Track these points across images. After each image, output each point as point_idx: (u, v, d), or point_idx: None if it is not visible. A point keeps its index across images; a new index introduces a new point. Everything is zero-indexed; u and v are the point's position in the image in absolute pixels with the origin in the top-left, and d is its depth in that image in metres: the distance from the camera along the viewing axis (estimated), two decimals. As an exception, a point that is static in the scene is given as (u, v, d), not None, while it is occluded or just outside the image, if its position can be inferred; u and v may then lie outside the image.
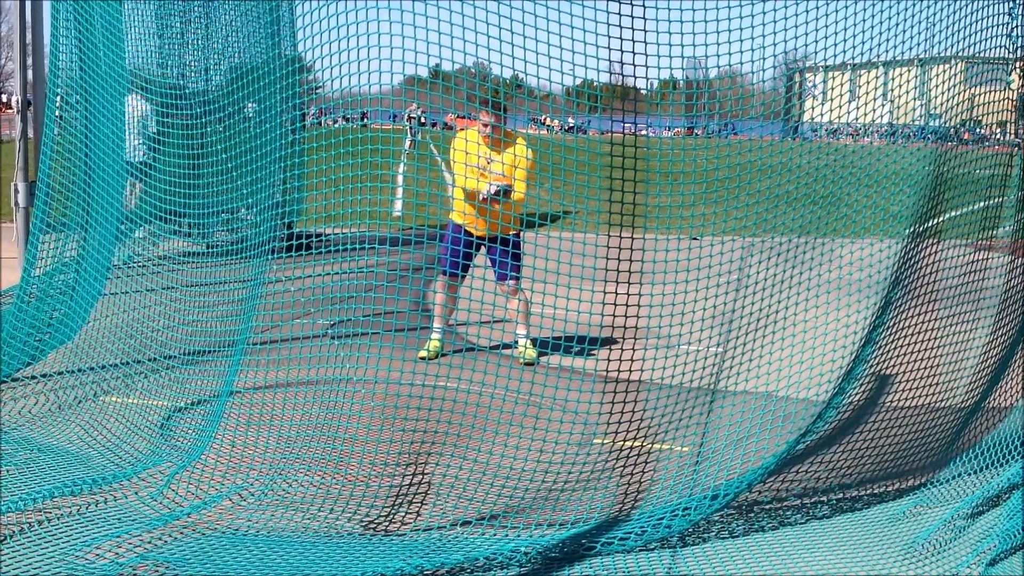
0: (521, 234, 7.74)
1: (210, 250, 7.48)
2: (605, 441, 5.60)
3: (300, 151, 7.20)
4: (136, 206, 6.95)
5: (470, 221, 7.62)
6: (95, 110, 6.83)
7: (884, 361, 5.29)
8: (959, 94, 5.34)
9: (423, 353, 7.70)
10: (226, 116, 6.30)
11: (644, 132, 5.06)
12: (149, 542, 4.35)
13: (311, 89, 6.08)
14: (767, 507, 4.99)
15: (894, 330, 5.24)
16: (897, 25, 5.08)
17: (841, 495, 5.15)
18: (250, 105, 6.10)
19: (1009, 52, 5.30)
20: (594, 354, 6.29)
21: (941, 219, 5.32)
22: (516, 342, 7.85)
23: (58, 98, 7.14)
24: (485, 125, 7.42)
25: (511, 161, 7.40)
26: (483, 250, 7.67)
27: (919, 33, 5.09)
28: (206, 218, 6.67)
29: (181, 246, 7.52)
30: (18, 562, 4.07)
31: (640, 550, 4.46)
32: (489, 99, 7.28)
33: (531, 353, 7.67)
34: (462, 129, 7.99)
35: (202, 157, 6.39)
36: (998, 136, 6.41)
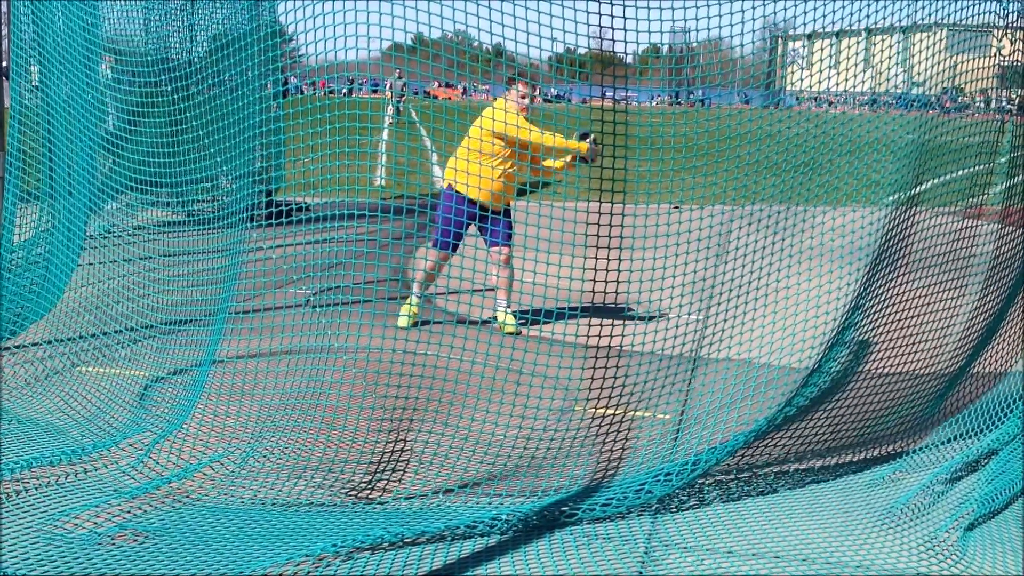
0: (512, 202, 7.73)
1: (190, 219, 7.43)
2: (586, 409, 5.61)
3: (280, 118, 7.14)
4: (111, 176, 6.89)
5: (485, 196, 7.54)
6: (57, 79, 6.75)
7: (867, 329, 5.30)
8: (941, 61, 5.32)
9: (403, 321, 7.67)
10: (205, 86, 6.24)
11: (631, 101, 5.03)
12: (129, 511, 4.34)
13: (290, 53, 6.02)
14: (747, 473, 5.01)
15: (877, 298, 5.25)
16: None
17: (821, 461, 5.17)
18: (247, 74, 6.02)
19: (1000, 19, 5.28)
20: (575, 322, 6.30)
21: (925, 187, 5.32)
22: (496, 311, 7.83)
23: (34, 69, 7.06)
24: (523, 97, 7.46)
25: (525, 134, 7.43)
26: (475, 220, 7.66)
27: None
28: (185, 187, 6.61)
29: (160, 216, 7.47)
30: (-3, 532, 4.06)
31: (621, 516, 4.47)
32: (517, 75, 7.37)
33: (510, 319, 7.66)
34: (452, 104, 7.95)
35: (180, 124, 6.33)
36: (980, 104, 6.40)
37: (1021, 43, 5.35)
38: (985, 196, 5.54)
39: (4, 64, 8.91)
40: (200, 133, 6.12)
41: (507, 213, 7.67)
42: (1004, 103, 5.84)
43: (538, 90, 7.57)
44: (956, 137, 5.38)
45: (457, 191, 7.62)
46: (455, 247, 7.55)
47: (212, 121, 5.90)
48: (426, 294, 7.98)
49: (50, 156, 6.86)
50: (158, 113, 6.57)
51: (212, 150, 6.02)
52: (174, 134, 6.40)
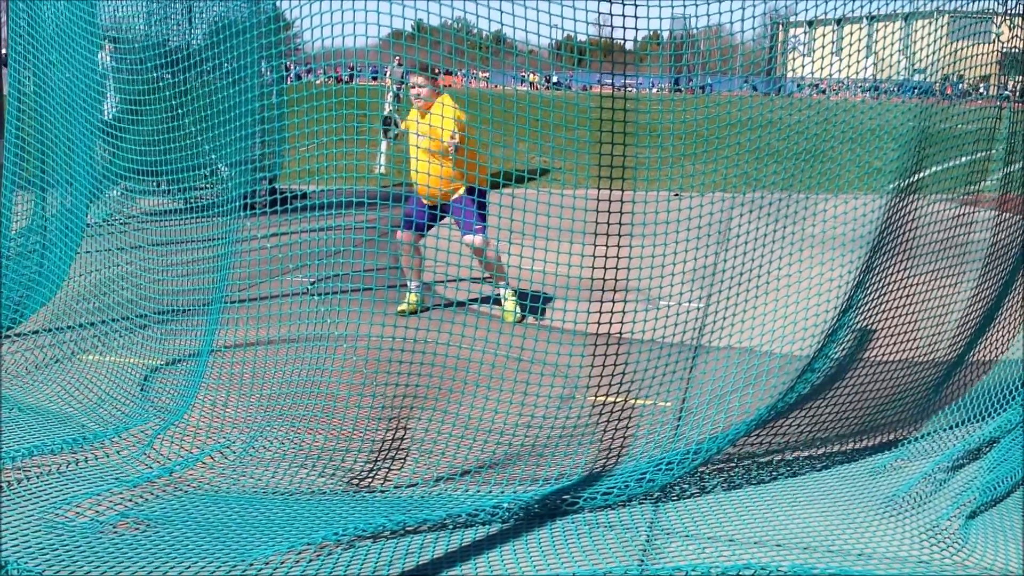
0: (477, 185, 7.59)
1: (188, 206, 7.41)
2: (588, 397, 5.60)
3: (280, 105, 7.11)
4: (111, 164, 6.87)
5: (421, 191, 7.58)
6: (56, 67, 6.72)
7: (866, 316, 5.29)
8: (943, 48, 5.30)
9: (402, 307, 7.66)
10: (203, 69, 6.22)
11: (632, 88, 5.02)
12: (130, 499, 4.34)
13: (289, 38, 6.00)
14: (749, 461, 5.00)
15: (877, 285, 5.24)
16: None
17: (822, 449, 5.17)
18: (246, 59, 5.98)
19: (999, 4, 5.27)
20: (575, 309, 6.27)
21: (925, 174, 5.30)
22: (497, 298, 7.81)
23: (52, 56, 7.01)
24: (412, 87, 7.44)
25: (437, 122, 7.28)
26: (447, 211, 7.62)
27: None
28: (183, 174, 6.59)
29: (159, 204, 7.44)
30: (-2, 520, 4.06)
31: (622, 504, 4.47)
32: (428, 64, 7.32)
33: (510, 307, 7.62)
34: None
35: (179, 111, 6.31)
36: (982, 90, 6.39)
37: (1020, 29, 5.34)
38: (983, 183, 5.52)
39: (3, 52, 8.87)
40: (195, 119, 6.10)
41: (469, 202, 7.52)
42: (1003, 90, 5.83)
43: (430, 81, 7.50)
44: (955, 124, 5.37)
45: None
46: (419, 227, 7.55)
47: (209, 106, 5.88)
48: (424, 281, 7.96)
49: (49, 144, 6.83)
50: (157, 100, 6.54)
51: (209, 136, 6.00)
52: (172, 120, 6.38)
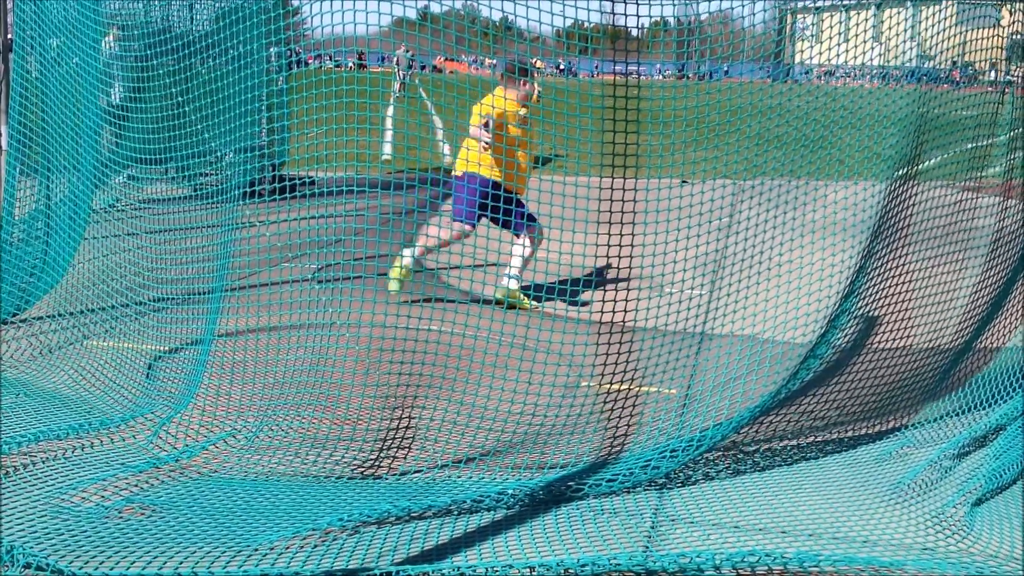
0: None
1: (195, 193, 7.40)
2: (593, 384, 5.60)
3: (285, 91, 7.10)
4: (116, 149, 6.86)
5: (518, 181, 7.59)
6: (63, 52, 6.71)
7: (871, 302, 5.28)
8: (947, 29, 5.29)
9: (393, 285, 7.52)
10: (207, 55, 6.20)
11: (638, 74, 5.01)
12: (136, 485, 4.35)
13: (295, 24, 5.98)
14: (754, 448, 5.00)
15: (880, 271, 5.23)
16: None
17: (827, 436, 5.17)
18: (251, 45, 5.96)
19: None
20: (579, 296, 6.28)
21: (929, 160, 5.29)
22: (503, 286, 7.78)
23: (54, 42, 7.00)
24: (526, 96, 7.55)
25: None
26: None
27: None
28: (188, 160, 6.58)
29: (165, 191, 7.44)
30: (3, 504, 4.06)
31: (627, 491, 4.47)
32: (528, 68, 7.55)
33: (514, 284, 7.56)
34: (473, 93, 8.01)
35: (184, 96, 6.30)
36: (991, 76, 6.37)
37: (1021, 14, 5.33)
38: (986, 169, 5.51)
39: (8, 37, 8.87)
40: (200, 105, 6.08)
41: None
42: (1006, 75, 5.81)
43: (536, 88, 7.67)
44: (955, 109, 5.35)
45: (483, 175, 7.45)
46: (491, 221, 7.52)
47: (215, 92, 5.87)
48: (423, 258, 7.87)
49: (54, 129, 6.83)
50: (162, 86, 6.53)
51: (215, 122, 5.99)
52: (178, 106, 6.37)
